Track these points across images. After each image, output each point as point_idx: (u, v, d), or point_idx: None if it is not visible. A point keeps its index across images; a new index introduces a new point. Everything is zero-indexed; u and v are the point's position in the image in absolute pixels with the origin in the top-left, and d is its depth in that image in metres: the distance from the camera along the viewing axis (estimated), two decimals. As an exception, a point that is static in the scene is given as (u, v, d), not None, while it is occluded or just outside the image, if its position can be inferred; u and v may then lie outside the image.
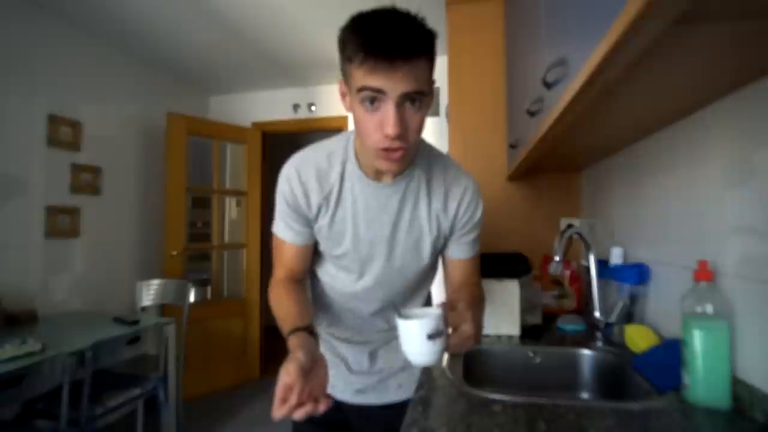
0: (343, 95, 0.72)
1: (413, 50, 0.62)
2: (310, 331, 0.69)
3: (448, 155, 0.90)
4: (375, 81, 0.61)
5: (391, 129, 0.63)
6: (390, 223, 0.81)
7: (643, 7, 0.36)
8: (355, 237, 0.82)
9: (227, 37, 2.55)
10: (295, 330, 0.68)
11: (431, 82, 0.69)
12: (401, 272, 0.86)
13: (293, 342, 0.66)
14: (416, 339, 0.63)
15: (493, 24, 1.79)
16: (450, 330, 0.65)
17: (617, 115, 0.82)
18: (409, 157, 0.74)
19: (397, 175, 0.80)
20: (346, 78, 0.67)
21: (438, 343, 0.63)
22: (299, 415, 0.58)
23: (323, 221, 0.82)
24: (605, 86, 0.59)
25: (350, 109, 0.70)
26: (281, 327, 0.72)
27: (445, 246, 0.89)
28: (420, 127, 0.68)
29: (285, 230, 0.84)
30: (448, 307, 0.67)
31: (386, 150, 0.67)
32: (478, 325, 0.70)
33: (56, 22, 2.32)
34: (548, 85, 0.74)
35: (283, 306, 0.77)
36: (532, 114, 0.96)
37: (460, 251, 0.88)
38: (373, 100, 0.64)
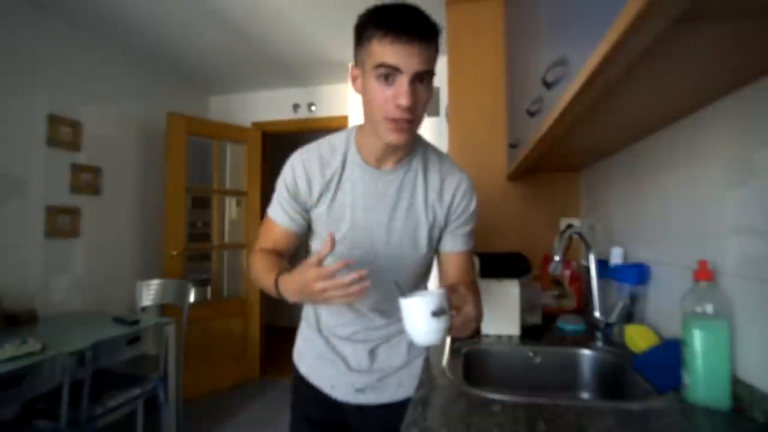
0: (354, 78, 0.77)
1: (428, 32, 0.69)
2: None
3: (443, 152, 0.93)
4: (393, 58, 0.68)
5: (404, 100, 0.69)
6: (387, 210, 0.85)
7: (644, 6, 0.36)
8: (353, 223, 0.85)
9: (228, 37, 2.55)
10: (279, 275, 0.78)
11: (434, 68, 0.75)
12: (399, 262, 0.87)
13: (284, 286, 0.77)
14: (420, 317, 0.64)
15: (493, 24, 1.78)
16: (453, 312, 0.67)
17: (617, 114, 0.82)
18: (412, 134, 0.78)
19: (397, 162, 0.84)
20: (362, 58, 0.73)
21: (442, 321, 0.64)
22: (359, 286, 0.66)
23: (322, 207, 0.85)
24: (605, 86, 0.59)
25: (362, 90, 0.75)
26: (265, 280, 0.81)
27: (440, 240, 0.90)
28: (425, 106, 0.75)
29: (280, 214, 0.89)
30: (449, 289, 0.69)
31: (395, 121, 0.72)
32: (479, 309, 0.73)
33: (57, 22, 2.32)
34: (548, 85, 0.74)
35: (264, 261, 0.85)
36: (532, 114, 0.96)
37: (455, 243, 0.90)
38: (388, 76, 0.70)
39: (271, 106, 3.48)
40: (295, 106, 3.43)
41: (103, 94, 2.62)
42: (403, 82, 0.69)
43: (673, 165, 0.93)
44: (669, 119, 0.89)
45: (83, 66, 2.49)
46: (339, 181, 0.85)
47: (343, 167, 0.85)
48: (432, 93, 0.75)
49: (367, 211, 0.85)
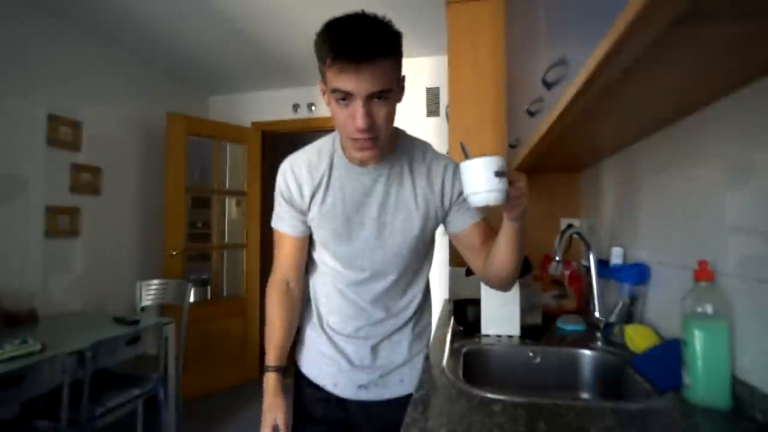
0: (322, 92, 0.79)
1: (376, 53, 0.68)
2: (284, 369, 0.94)
3: (427, 142, 0.94)
4: (344, 84, 0.69)
5: (360, 122, 0.71)
6: (377, 205, 0.87)
7: (644, 7, 0.36)
8: (346, 220, 0.87)
9: (227, 36, 2.55)
10: (275, 369, 0.91)
11: (397, 79, 0.75)
12: (393, 255, 0.89)
13: (271, 382, 0.90)
14: (484, 176, 0.66)
15: (493, 24, 1.78)
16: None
17: (617, 114, 0.82)
18: (381, 144, 0.78)
19: (381, 160, 0.86)
20: (323, 77, 0.75)
21: (504, 182, 0.66)
22: None
23: (315, 209, 0.88)
24: (605, 86, 0.59)
25: (328, 104, 0.77)
26: (266, 344, 0.94)
27: (448, 224, 0.90)
28: (388, 118, 0.75)
29: (284, 224, 0.93)
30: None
31: (357, 140, 0.75)
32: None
33: (56, 22, 2.32)
34: (548, 85, 0.74)
35: (273, 325, 0.94)
36: (532, 114, 0.96)
37: (468, 216, 0.88)
38: (344, 99, 0.71)
39: (271, 106, 3.48)
40: (295, 106, 3.43)
41: (103, 94, 2.61)
42: (357, 105, 0.70)
43: (673, 165, 0.93)
44: (669, 119, 0.89)
45: (83, 66, 2.49)
46: (328, 183, 0.87)
47: (331, 169, 0.88)
48: (395, 102, 0.75)
49: (357, 208, 0.87)
